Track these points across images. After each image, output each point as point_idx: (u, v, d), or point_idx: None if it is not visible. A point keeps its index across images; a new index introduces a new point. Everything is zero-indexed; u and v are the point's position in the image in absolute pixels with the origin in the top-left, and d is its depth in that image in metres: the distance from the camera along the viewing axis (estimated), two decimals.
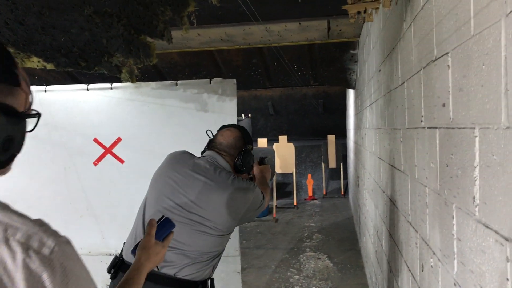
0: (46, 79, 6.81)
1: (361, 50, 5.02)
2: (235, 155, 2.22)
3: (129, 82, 2.00)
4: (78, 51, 2.02)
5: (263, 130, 11.61)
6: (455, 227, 1.29)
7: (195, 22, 1.74)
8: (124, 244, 2.11)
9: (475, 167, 1.11)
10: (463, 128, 1.20)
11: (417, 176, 1.85)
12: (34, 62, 2.13)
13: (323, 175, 10.90)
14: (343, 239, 6.74)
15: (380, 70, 3.13)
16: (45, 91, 3.08)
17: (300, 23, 4.57)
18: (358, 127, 5.92)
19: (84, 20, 1.89)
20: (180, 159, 2.17)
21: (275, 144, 9.18)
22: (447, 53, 1.34)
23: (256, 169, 2.50)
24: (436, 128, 1.49)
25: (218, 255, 2.10)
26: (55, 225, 2.96)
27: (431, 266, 1.61)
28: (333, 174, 11.23)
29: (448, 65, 1.32)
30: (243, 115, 8.45)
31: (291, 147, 9.26)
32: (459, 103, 1.23)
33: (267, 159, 2.45)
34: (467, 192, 1.17)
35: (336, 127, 10.73)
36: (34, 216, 2.94)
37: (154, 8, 1.79)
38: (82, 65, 2.05)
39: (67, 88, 3.07)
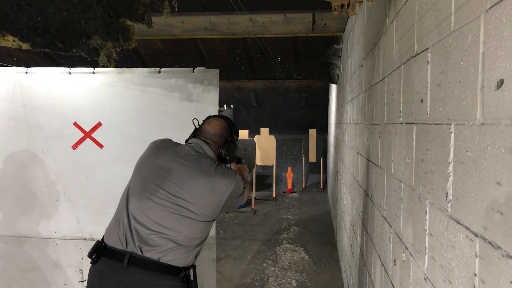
0: (26, 61, 6.66)
1: (345, 45, 5.02)
2: (220, 144, 2.26)
3: (107, 65, 1.95)
4: (55, 31, 1.97)
5: (245, 122, 11.59)
6: (427, 222, 1.30)
7: (176, 7, 1.70)
8: (106, 229, 2.10)
9: (449, 163, 1.11)
10: (440, 124, 1.20)
11: (393, 171, 1.86)
12: (9, 41, 2.07)
13: (303, 168, 10.95)
14: (320, 233, 6.79)
15: (362, 65, 3.14)
16: (27, 72, 3.01)
17: (285, 15, 4.55)
18: (339, 122, 5.94)
19: (62, 0, 1.84)
20: (165, 146, 2.17)
21: (256, 136, 9.17)
22: (427, 49, 1.34)
23: (234, 168, 2.52)
24: (414, 123, 1.49)
25: (202, 242, 2.11)
26: (30, 208, 2.93)
27: (403, 261, 1.62)
28: (313, 168, 11.28)
29: (428, 61, 1.32)
30: (225, 106, 8.41)
31: (272, 139, 9.27)
32: (436, 99, 1.23)
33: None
34: (441, 188, 1.17)
35: (317, 122, 10.78)
36: (8, 198, 2.91)
37: None
38: (59, 46, 2.00)
39: (49, 71, 3.00)
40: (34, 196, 2.96)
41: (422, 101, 1.38)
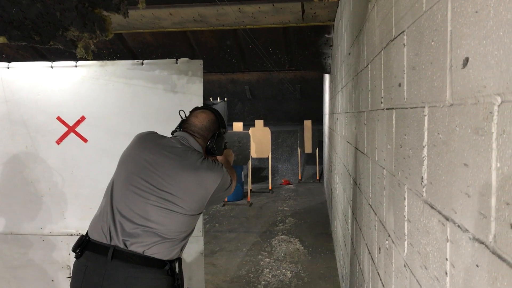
0: (14, 56, 6.61)
1: (336, 34, 4.99)
2: (208, 138, 2.22)
3: (85, 57, 1.92)
4: (30, 23, 1.93)
5: (240, 114, 11.54)
6: (406, 208, 1.28)
7: None
8: (90, 224, 2.07)
9: (423, 147, 1.09)
10: (415, 107, 1.17)
11: (377, 158, 1.84)
12: None
13: (298, 160, 10.94)
14: (316, 223, 6.79)
15: (349, 53, 3.11)
16: (8, 67, 2.97)
17: (273, 5, 4.51)
18: (331, 112, 5.92)
19: None
20: (150, 139, 2.14)
21: (251, 129, 9.15)
22: (403, 32, 1.31)
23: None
24: (393, 109, 1.47)
25: (187, 236, 2.09)
26: (15, 205, 2.90)
27: (386, 248, 1.61)
28: (309, 159, 11.27)
29: (404, 44, 1.30)
30: (218, 98, 8.36)
31: (267, 131, 9.24)
32: (412, 82, 1.21)
33: (227, 144, 2.46)
34: (417, 172, 1.15)
35: (312, 113, 10.75)
36: None
37: None
38: (36, 39, 1.96)
39: (31, 65, 2.95)
40: (19, 193, 2.93)
41: (399, 85, 1.36)
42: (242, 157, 8.08)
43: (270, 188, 9.49)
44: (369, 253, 2.09)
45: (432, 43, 1.01)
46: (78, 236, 2.06)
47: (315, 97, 10.58)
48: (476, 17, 0.74)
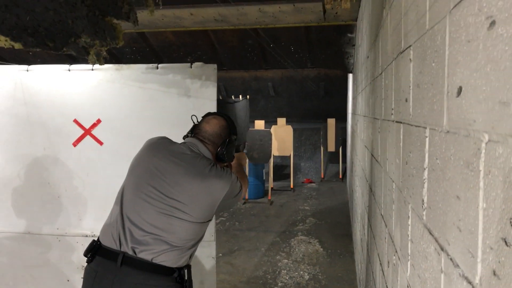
0: (44, 58, 6.75)
1: (358, 34, 4.91)
2: (218, 144, 2.22)
3: (97, 64, 1.94)
4: (44, 31, 1.96)
5: (263, 111, 11.51)
6: (409, 228, 1.25)
7: (161, 4, 1.68)
8: (101, 229, 2.10)
9: (425, 169, 1.06)
10: (418, 126, 1.14)
11: (388, 169, 1.80)
12: (1, 41, 2.08)
13: (321, 158, 10.86)
14: (337, 224, 6.74)
15: (368, 57, 3.06)
16: (27, 70, 3.03)
17: (294, 5, 4.46)
18: (353, 112, 5.85)
19: (48, 0, 1.83)
20: (160, 145, 2.15)
21: (273, 127, 9.13)
22: (410, 46, 1.28)
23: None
24: (401, 123, 1.43)
25: (196, 243, 2.09)
26: (32, 205, 2.97)
27: (394, 264, 1.58)
28: (332, 157, 11.18)
29: (410, 59, 1.26)
30: (240, 96, 8.35)
31: (289, 129, 9.21)
32: (416, 99, 1.17)
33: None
34: (418, 194, 1.12)
35: (336, 111, 10.63)
36: (11, 195, 2.94)
37: None
38: (50, 45, 1.99)
39: (49, 69, 3.02)
40: (37, 193, 3.00)
41: (406, 100, 1.33)
42: (263, 155, 8.07)
43: (291, 186, 9.46)
44: (380, 264, 2.05)
45: (433, 64, 0.97)
46: (93, 237, 2.10)
47: (339, 95, 10.46)
48: (468, 47, 0.71)
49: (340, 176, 10.62)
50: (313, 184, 10.32)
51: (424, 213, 1.05)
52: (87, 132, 2.92)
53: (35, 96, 2.94)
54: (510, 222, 0.55)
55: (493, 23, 0.61)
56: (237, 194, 2.19)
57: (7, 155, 3.01)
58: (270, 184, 8.64)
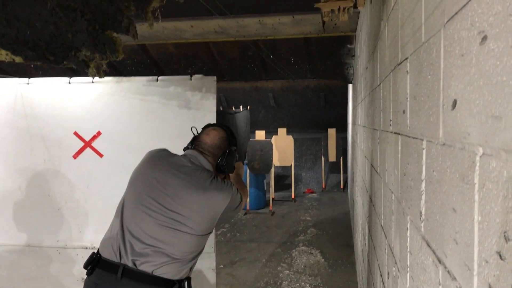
0: (45, 70, 6.79)
1: (357, 45, 4.94)
2: (218, 155, 2.23)
3: (97, 76, 1.96)
4: (44, 44, 1.98)
5: (264, 121, 11.52)
6: (408, 239, 1.25)
7: (160, 18, 1.69)
8: (101, 241, 2.10)
9: (422, 181, 1.06)
10: (415, 138, 1.15)
11: (387, 180, 1.81)
12: (2, 55, 2.10)
13: (322, 168, 10.85)
14: (338, 234, 6.71)
15: (367, 68, 3.08)
16: (28, 83, 3.05)
17: (293, 17, 4.49)
18: (354, 123, 5.86)
19: (48, 14, 1.85)
20: (161, 157, 2.15)
21: (274, 137, 9.14)
22: (406, 58, 1.29)
23: None
24: (399, 134, 1.44)
25: (197, 256, 2.10)
26: (32, 218, 2.95)
27: (394, 275, 1.57)
28: (333, 167, 11.16)
29: (407, 71, 1.27)
30: (241, 107, 8.36)
31: (290, 139, 9.22)
32: (413, 111, 1.18)
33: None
34: (416, 205, 1.12)
35: (337, 121, 10.64)
36: (11, 207, 2.93)
37: (118, 3, 1.75)
38: (50, 59, 2.01)
39: (49, 81, 3.04)
40: (38, 206, 3.00)
41: (404, 112, 1.33)
42: (264, 166, 8.07)
43: (293, 197, 9.44)
44: (381, 275, 2.05)
45: (429, 76, 0.98)
46: (93, 250, 2.10)
47: (339, 105, 10.48)
48: (462, 61, 0.72)
49: (342, 186, 10.60)
50: (314, 194, 10.30)
51: (422, 225, 1.05)
52: (87, 144, 2.93)
53: (35, 108, 2.95)
54: (505, 236, 0.55)
55: (485, 38, 0.61)
56: (238, 206, 2.20)
57: (7, 168, 3.02)
58: (271, 194, 8.63)
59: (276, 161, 8.99)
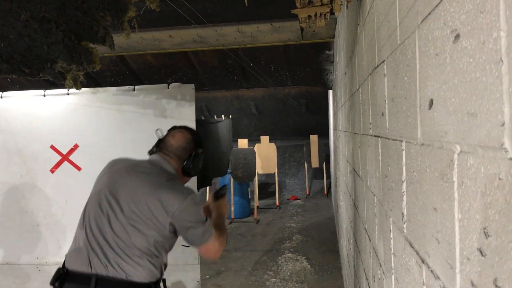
0: (22, 83, 6.69)
1: (335, 51, 4.98)
2: (184, 158, 2.20)
3: (74, 88, 1.93)
4: (19, 57, 1.95)
5: (246, 130, 11.52)
6: (392, 241, 1.25)
7: (137, 27, 1.68)
8: (66, 255, 2.05)
9: (403, 182, 1.07)
10: (395, 140, 1.15)
11: (369, 183, 1.81)
12: None
13: (306, 175, 10.87)
14: (323, 240, 6.71)
15: (346, 73, 3.10)
16: (1, 97, 2.99)
17: (272, 24, 4.51)
18: (335, 128, 5.89)
19: (22, 26, 1.82)
20: (120, 163, 2.15)
21: (256, 145, 9.13)
22: (383, 61, 1.30)
23: (212, 205, 2.39)
24: (379, 137, 1.45)
25: (164, 255, 2.05)
26: (11, 235, 2.88)
27: (379, 278, 1.57)
28: (317, 173, 11.20)
29: (384, 74, 1.28)
30: (223, 116, 8.35)
31: (273, 147, 9.22)
32: (392, 113, 1.19)
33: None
34: (398, 207, 1.12)
35: (319, 127, 10.70)
36: None
37: (93, 13, 1.73)
38: (26, 71, 1.98)
39: (24, 94, 2.98)
40: (16, 222, 2.93)
41: (382, 114, 1.34)
42: (247, 174, 8.05)
43: (277, 204, 9.43)
44: (366, 279, 2.05)
45: (405, 78, 0.99)
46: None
47: (320, 112, 10.54)
48: (436, 60, 0.73)
49: (325, 192, 10.63)
50: (298, 201, 10.30)
51: (405, 226, 1.05)
52: (65, 158, 2.87)
53: (11, 122, 2.89)
54: (484, 232, 0.55)
55: (457, 36, 0.62)
56: (200, 221, 2.01)
57: None
58: (256, 202, 8.60)
59: (259, 169, 8.98)
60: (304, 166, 11.00)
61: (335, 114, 5.71)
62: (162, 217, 1.96)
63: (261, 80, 6.41)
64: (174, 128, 2.28)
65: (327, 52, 5.58)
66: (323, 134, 10.42)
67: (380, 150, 1.44)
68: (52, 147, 2.88)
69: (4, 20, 1.81)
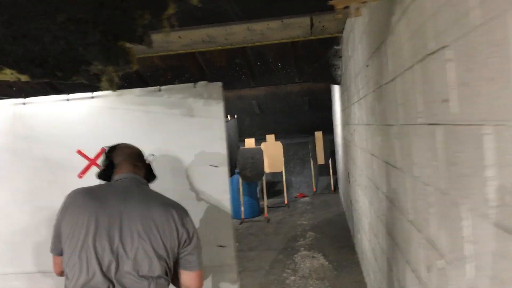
0: (24, 89, 6.63)
1: (345, 46, 4.95)
2: (145, 164, 2.22)
3: (110, 90, 1.90)
4: (53, 60, 1.91)
5: (249, 129, 11.49)
6: (465, 229, 1.22)
7: (175, 25, 1.64)
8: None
9: (485, 167, 1.04)
10: (469, 125, 1.12)
11: (417, 174, 1.78)
12: (7, 74, 2.02)
13: (312, 171, 10.85)
14: (337, 236, 6.69)
15: (368, 66, 3.07)
16: (24, 103, 2.95)
17: (282, 21, 4.49)
18: (346, 123, 5.86)
19: (58, 28, 1.78)
20: (103, 191, 2.12)
21: (263, 144, 9.11)
22: (444, 47, 1.27)
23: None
24: (437, 124, 1.41)
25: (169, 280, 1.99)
26: (39, 243, 2.81)
27: (439, 268, 1.54)
28: (322, 170, 11.18)
29: (447, 59, 1.25)
30: (228, 116, 8.33)
31: (279, 145, 9.20)
32: (464, 98, 1.16)
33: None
34: (479, 193, 1.09)
35: (322, 123, 10.68)
36: (18, 234, 2.76)
37: (132, 12, 1.69)
38: (59, 75, 1.94)
39: (46, 100, 2.93)
40: (43, 228, 2.87)
41: (445, 100, 1.31)
42: (256, 174, 8.02)
43: (286, 202, 9.41)
44: (412, 271, 2.02)
45: (491, 59, 0.96)
46: None
47: (324, 108, 10.52)
48: None
49: (333, 188, 10.61)
50: (306, 198, 10.28)
51: (494, 211, 1.02)
52: (92, 162, 2.83)
53: (35, 129, 2.84)
54: None
55: None
56: (190, 230, 2.00)
57: (10, 193, 2.89)
58: (265, 201, 8.58)
59: (266, 167, 8.95)
60: (309, 163, 10.98)
61: (345, 109, 5.68)
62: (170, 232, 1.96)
63: (268, 78, 6.38)
64: (115, 147, 2.22)
65: (335, 47, 5.55)
66: (327, 131, 10.40)
67: (440, 138, 1.40)
68: (79, 151, 2.84)
69: (39, 23, 1.77)
